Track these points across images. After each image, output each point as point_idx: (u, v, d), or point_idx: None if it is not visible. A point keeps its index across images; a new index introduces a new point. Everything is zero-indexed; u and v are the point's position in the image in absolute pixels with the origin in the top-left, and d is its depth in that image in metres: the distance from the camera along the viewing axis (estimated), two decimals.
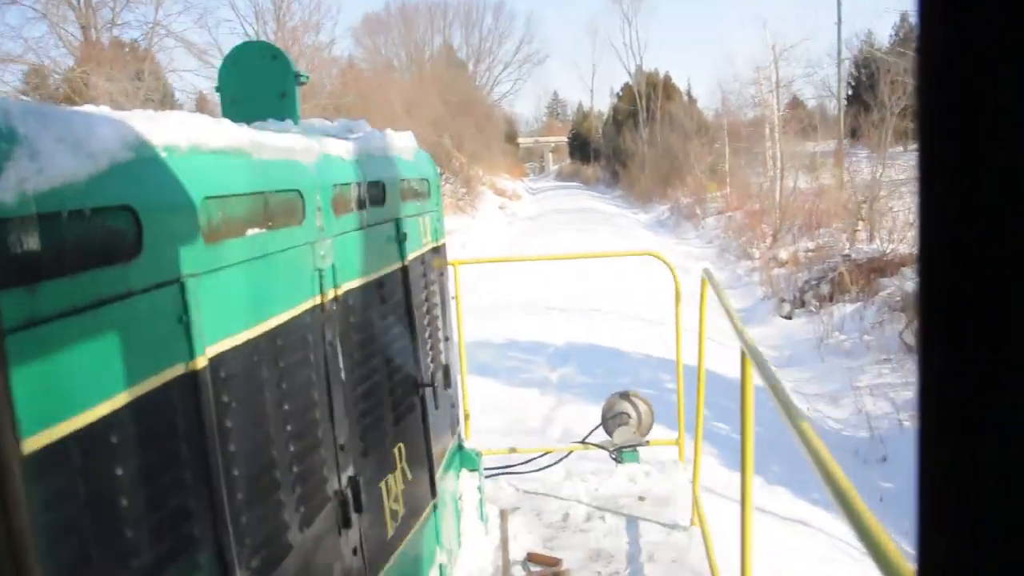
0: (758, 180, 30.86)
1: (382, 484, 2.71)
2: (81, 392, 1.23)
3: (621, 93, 64.19)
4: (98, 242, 1.31)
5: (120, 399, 1.32)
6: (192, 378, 1.55)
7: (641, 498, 4.92)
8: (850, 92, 38.12)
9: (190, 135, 1.66)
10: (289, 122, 2.93)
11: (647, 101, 55.79)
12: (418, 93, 36.17)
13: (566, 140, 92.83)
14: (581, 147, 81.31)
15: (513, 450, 5.38)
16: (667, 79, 57.96)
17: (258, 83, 3.15)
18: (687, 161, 38.34)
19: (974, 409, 0.42)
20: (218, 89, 3.27)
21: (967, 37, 0.41)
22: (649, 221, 35.96)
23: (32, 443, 1.12)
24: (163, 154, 1.55)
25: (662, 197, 40.54)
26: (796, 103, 45.81)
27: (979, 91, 0.41)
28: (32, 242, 1.14)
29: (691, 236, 28.40)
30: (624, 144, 53.65)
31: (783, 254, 18.98)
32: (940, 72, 0.42)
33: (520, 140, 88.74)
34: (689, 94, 61.26)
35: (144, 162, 1.47)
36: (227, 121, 1.92)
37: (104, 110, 1.56)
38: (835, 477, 1.56)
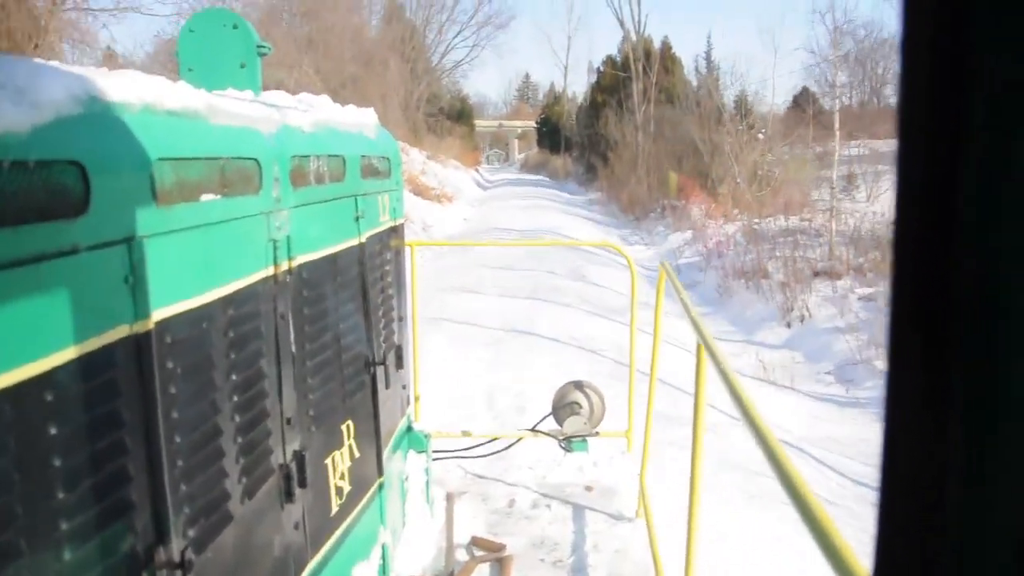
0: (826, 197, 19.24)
1: (328, 460, 2.69)
2: (17, 347, 1.20)
3: (602, 68, 49.49)
4: (42, 196, 1.27)
5: (59, 357, 1.28)
6: (137, 341, 1.52)
7: (588, 488, 4.95)
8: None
9: (143, 94, 1.63)
10: (249, 93, 2.89)
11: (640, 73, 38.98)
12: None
13: (534, 126, 79.47)
14: (551, 134, 69.76)
15: (465, 434, 5.39)
16: (666, 46, 42.32)
17: (218, 52, 3.09)
18: (719, 158, 24.36)
19: (938, 418, 0.43)
20: (177, 56, 3.20)
21: (951, 33, 0.41)
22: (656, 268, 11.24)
23: None
24: (115, 111, 1.51)
25: (671, 213, 24.24)
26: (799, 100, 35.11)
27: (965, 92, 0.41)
28: None
29: (775, 342, 11.58)
30: (605, 130, 39.10)
31: None
32: (924, 73, 0.43)
33: (480, 123, 77.23)
34: (708, 58, 45.46)
35: (94, 118, 1.43)
36: (183, 83, 1.88)
37: (51, 63, 1.52)
38: (781, 461, 1.58)
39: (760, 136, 24.77)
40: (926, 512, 0.44)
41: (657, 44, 41.35)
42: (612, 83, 44.33)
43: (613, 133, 37.63)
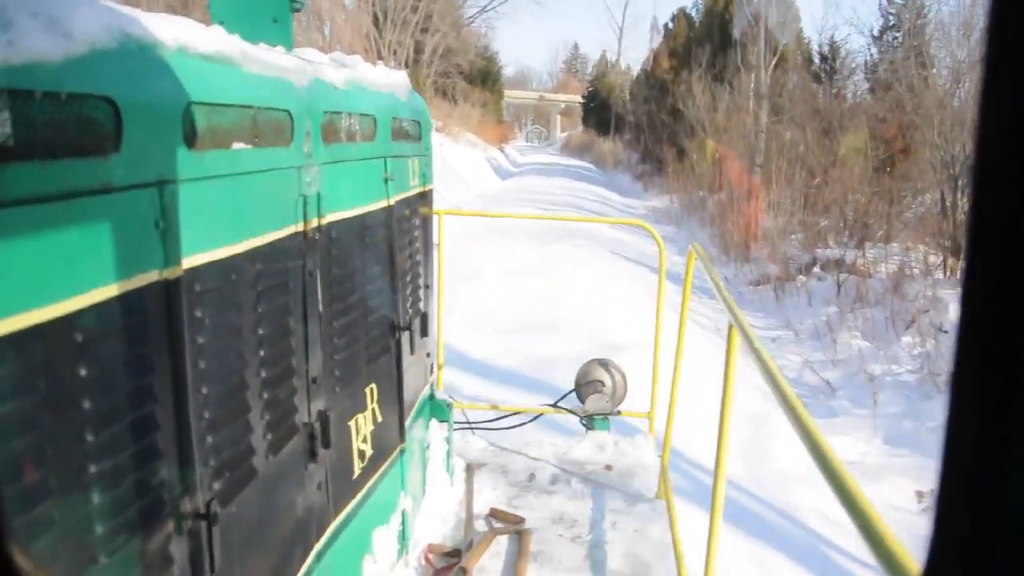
0: None
1: (351, 422, 2.67)
2: (46, 285, 1.17)
3: (672, 25, 36.96)
4: (73, 131, 1.23)
5: (88, 298, 1.25)
6: (166, 287, 1.48)
7: (608, 467, 4.91)
8: None
9: (178, 35, 1.58)
10: (281, 48, 2.84)
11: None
12: None
13: (580, 101, 65.17)
14: (599, 111, 56.24)
15: (492, 406, 5.36)
16: None
17: (250, 6, 3.04)
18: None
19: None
20: (208, 8, 3.16)
21: None
22: None
23: None
24: (149, 49, 1.47)
25: (890, 296, 11.48)
26: None
27: None
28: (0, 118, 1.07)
29: None
30: (685, 104, 25.57)
31: None
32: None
33: (518, 93, 64.05)
34: None
35: (127, 54, 1.39)
36: (218, 27, 1.83)
37: None
38: (821, 446, 1.52)
39: None
40: (983, 514, 0.43)
41: None
42: (696, 37, 31.32)
43: (693, 113, 22.87)
